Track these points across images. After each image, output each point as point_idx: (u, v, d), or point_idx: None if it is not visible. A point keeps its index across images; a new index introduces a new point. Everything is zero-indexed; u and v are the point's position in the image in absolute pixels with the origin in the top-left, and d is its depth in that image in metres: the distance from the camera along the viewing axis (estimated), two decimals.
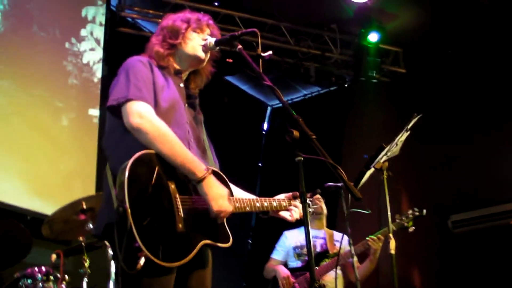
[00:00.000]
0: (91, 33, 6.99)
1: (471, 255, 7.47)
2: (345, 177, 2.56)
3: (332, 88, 9.49)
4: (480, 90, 7.86)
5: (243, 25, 7.83)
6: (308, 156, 2.55)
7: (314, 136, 2.59)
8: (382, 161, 4.06)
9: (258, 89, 9.84)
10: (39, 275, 4.24)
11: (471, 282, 7.30)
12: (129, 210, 2.43)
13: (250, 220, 9.35)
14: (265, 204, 3.10)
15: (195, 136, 2.96)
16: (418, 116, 4.02)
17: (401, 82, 8.69)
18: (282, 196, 3.26)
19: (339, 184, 3.98)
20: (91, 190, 6.10)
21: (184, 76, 3.11)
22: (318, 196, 5.85)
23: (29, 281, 4.29)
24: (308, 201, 3.33)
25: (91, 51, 6.93)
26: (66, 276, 4.47)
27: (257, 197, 3.12)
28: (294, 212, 3.24)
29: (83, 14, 6.99)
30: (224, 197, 2.73)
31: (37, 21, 6.40)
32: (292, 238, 5.81)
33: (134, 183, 2.50)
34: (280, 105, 2.70)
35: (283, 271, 5.51)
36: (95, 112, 6.73)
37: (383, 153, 3.99)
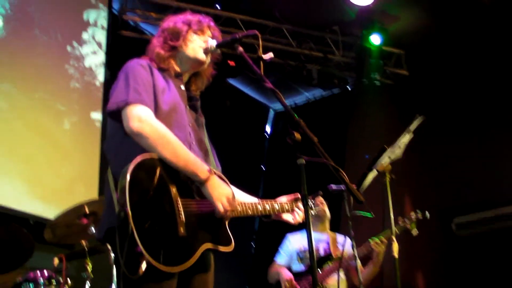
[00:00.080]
0: (93, 37, 7.00)
1: (475, 257, 7.44)
2: (347, 180, 2.54)
3: (334, 91, 9.48)
4: (483, 91, 7.84)
5: (245, 28, 7.84)
6: (310, 159, 2.54)
7: (315, 139, 2.57)
8: (385, 163, 4.04)
9: (261, 92, 9.84)
10: (41, 279, 4.23)
11: (475, 285, 7.27)
12: (130, 215, 2.41)
13: (253, 224, 9.33)
14: (267, 207, 3.08)
15: (196, 139, 2.95)
16: (421, 117, 4.00)
17: (403, 84, 8.67)
18: (283, 198, 3.24)
19: (342, 187, 3.96)
20: (93, 194, 6.10)
21: (185, 78, 3.10)
22: (321, 199, 5.84)
23: (31, 285, 4.28)
24: (310, 203, 3.33)
25: (93, 55, 6.93)
26: (69, 280, 4.47)
27: (259, 200, 3.10)
28: (297, 214, 3.23)
29: (84, 17, 6.99)
30: (228, 196, 2.72)
31: (39, 24, 6.41)
32: (295, 242, 5.79)
33: (135, 187, 2.48)
34: (283, 108, 2.69)
35: (286, 274, 5.49)
36: (97, 115, 6.73)
37: (385, 154, 3.97)
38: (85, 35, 6.93)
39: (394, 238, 4.18)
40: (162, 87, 2.86)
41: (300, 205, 3.22)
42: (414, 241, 5.39)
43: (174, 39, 3.02)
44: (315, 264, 2.53)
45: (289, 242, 5.83)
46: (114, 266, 4.40)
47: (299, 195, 3.19)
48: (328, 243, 5.68)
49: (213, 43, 3.05)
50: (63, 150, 6.37)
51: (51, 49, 6.50)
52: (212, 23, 3.16)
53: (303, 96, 9.94)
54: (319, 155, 2.56)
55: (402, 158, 4.32)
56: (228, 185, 2.85)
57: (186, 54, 3.02)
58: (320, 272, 5.40)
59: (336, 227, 6.28)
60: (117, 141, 2.79)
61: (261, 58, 2.89)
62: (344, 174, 2.56)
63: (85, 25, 6.98)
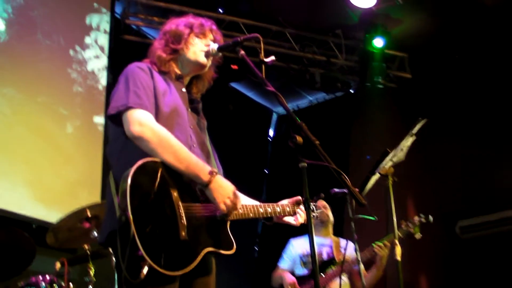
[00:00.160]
0: (96, 41, 7.00)
1: (479, 261, 7.42)
2: (349, 183, 2.53)
3: (338, 94, 9.47)
4: (487, 94, 7.82)
5: (248, 32, 7.83)
6: (311, 162, 2.53)
7: (317, 142, 2.57)
8: (387, 166, 4.03)
9: (264, 96, 9.84)
10: (43, 284, 4.22)
11: None
12: (131, 219, 2.40)
13: (256, 228, 9.32)
14: (269, 210, 3.08)
15: (198, 141, 2.94)
16: (423, 120, 3.99)
17: (407, 88, 8.65)
18: (285, 201, 3.23)
19: (345, 190, 3.95)
20: (96, 198, 6.09)
21: (186, 81, 3.10)
22: (324, 203, 5.84)
23: None
24: (311, 205, 3.32)
25: (96, 59, 6.93)
26: (71, 285, 4.46)
27: (261, 203, 3.10)
28: (299, 216, 3.22)
29: (87, 21, 6.99)
30: (230, 196, 2.72)
31: (41, 29, 6.41)
32: (298, 246, 5.79)
33: (136, 191, 2.47)
34: (285, 111, 2.68)
35: (289, 278, 5.49)
36: (100, 119, 6.73)
37: (388, 158, 3.95)
38: (87, 39, 6.93)
39: (397, 242, 4.15)
40: (163, 89, 2.85)
41: (302, 207, 3.20)
42: (418, 244, 5.37)
43: (176, 42, 3.02)
44: (317, 268, 2.52)
45: (292, 246, 5.83)
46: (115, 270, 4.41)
47: (300, 198, 3.18)
48: (331, 248, 5.67)
49: (214, 46, 3.04)
50: (65, 154, 6.36)
51: (53, 53, 6.50)
52: (214, 26, 3.16)
53: (306, 100, 9.93)
54: (321, 158, 2.55)
55: (406, 161, 4.31)
56: None
57: (187, 57, 3.02)
58: (323, 277, 5.38)
59: (339, 231, 6.26)
60: (119, 145, 2.78)
61: (263, 61, 2.87)
62: (346, 177, 2.55)
63: (88, 29, 6.98)
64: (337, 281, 5.36)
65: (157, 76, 2.89)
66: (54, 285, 4.28)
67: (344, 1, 7.53)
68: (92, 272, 4.60)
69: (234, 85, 9.22)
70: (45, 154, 6.13)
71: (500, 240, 7.42)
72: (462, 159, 7.78)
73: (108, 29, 7.20)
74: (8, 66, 6.06)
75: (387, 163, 4.01)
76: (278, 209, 3.13)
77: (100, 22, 7.11)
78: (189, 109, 3.01)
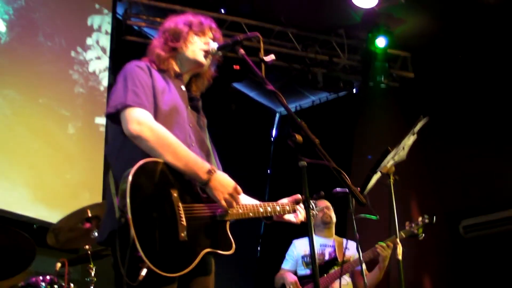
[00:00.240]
0: (97, 42, 7.00)
1: (483, 260, 7.41)
2: (349, 182, 2.52)
3: (340, 94, 9.46)
4: (489, 93, 7.80)
5: (250, 32, 7.81)
6: (311, 161, 2.52)
7: (317, 141, 2.55)
8: (389, 165, 4.01)
9: (266, 96, 9.83)
10: (43, 284, 4.21)
11: (483, 287, 7.23)
12: (131, 221, 2.39)
13: (258, 228, 9.31)
14: (269, 209, 3.06)
15: (197, 139, 2.93)
16: (425, 119, 3.97)
17: (409, 87, 8.63)
18: (285, 200, 3.22)
19: (347, 190, 3.93)
20: (98, 199, 6.08)
21: (186, 79, 3.08)
22: (327, 204, 5.84)
23: None
24: (311, 204, 3.31)
25: (97, 60, 6.94)
26: (72, 285, 4.45)
27: (261, 202, 3.09)
28: (299, 213, 3.21)
29: (88, 23, 7.00)
30: (230, 192, 2.71)
31: (43, 30, 6.42)
32: (301, 247, 5.79)
33: (136, 192, 2.46)
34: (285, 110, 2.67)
35: (291, 277, 5.51)
36: (101, 120, 6.73)
37: (389, 157, 3.94)
38: (89, 41, 6.93)
39: (398, 241, 4.14)
40: (162, 87, 2.84)
41: (302, 205, 3.19)
42: (421, 243, 5.37)
43: (175, 40, 3.01)
44: (316, 268, 2.50)
45: (294, 247, 5.85)
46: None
47: (300, 196, 3.17)
48: (334, 248, 5.67)
49: (214, 45, 3.03)
50: (67, 155, 6.36)
51: (55, 54, 6.50)
52: (213, 25, 3.15)
53: (309, 100, 9.93)
54: (321, 157, 2.54)
55: (409, 160, 4.30)
56: None
57: (186, 55, 3.01)
58: (326, 277, 5.38)
59: (342, 230, 6.26)
60: (117, 144, 2.77)
61: (263, 60, 2.86)
62: (346, 176, 2.53)
63: (89, 30, 6.98)
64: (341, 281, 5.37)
65: (156, 74, 2.88)
66: (54, 285, 4.27)
67: (346, 1, 7.51)
68: (93, 272, 4.59)
69: (236, 85, 9.22)
70: (46, 155, 6.14)
71: (504, 239, 7.40)
72: (465, 158, 7.76)
73: (109, 30, 7.20)
74: (9, 67, 6.06)
75: (389, 162, 3.99)
76: (278, 208, 3.12)
77: (101, 23, 7.11)
78: (189, 107, 3.00)
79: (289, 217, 3.23)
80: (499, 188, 7.54)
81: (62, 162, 6.30)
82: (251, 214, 2.94)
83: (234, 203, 2.73)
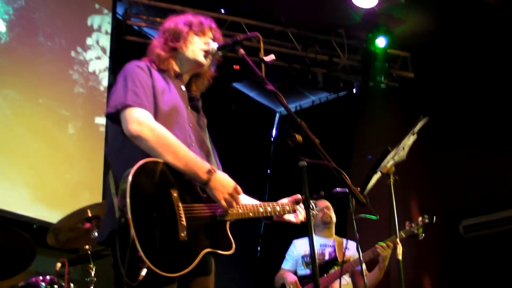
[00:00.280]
0: (97, 42, 7.00)
1: (483, 260, 7.41)
2: (349, 182, 2.51)
3: (340, 94, 9.46)
4: (490, 93, 7.80)
5: (250, 32, 7.81)
6: (311, 161, 2.52)
7: (317, 141, 2.55)
8: (389, 165, 4.01)
9: (266, 96, 9.83)
10: (43, 284, 4.21)
11: (483, 287, 7.22)
12: (131, 221, 2.38)
13: (259, 228, 9.31)
14: (268, 208, 3.06)
15: (197, 139, 2.93)
16: (425, 119, 3.97)
17: (409, 87, 8.63)
18: (285, 200, 3.22)
19: (347, 190, 3.93)
20: (98, 199, 6.08)
21: (185, 79, 3.08)
22: (327, 204, 5.84)
23: None
24: (311, 204, 3.31)
25: (97, 60, 6.93)
26: (72, 285, 4.44)
27: (260, 202, 3.09)
28: (299, 213, 3.21)
29: (88, 23, 7.00)
30: (230, 192, 2.70)
31: (43, 30, 6.41)
32: (301, 247, 5.79)
33: (136, 192, 2.45)
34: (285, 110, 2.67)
35: (291, 277, 5.52)
36: (101, 120, 6.72)
37: (389, 157, 3.93)
38: (89, 41, 6.93)
39: (398, 241, 4.14)
40: (162, 87, 2.84)
41: (302, 205, 3.19)
42: (421, 243, 5.37)
43: (175, 40, 3.01)
44: (316, 267, 2.50)
45: (295, 247, 5.85)
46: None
47: (300, 196, 3.17)
48: (334, 248, 5.67)
49: (214, 46, 3.03)
50: (67, 155, 6.36)
51: (55, 54, 6.50)
52: (213, 25, 3.15)
53: (309, 100, 9.93)
54: (321, 157, 2.54)
55: (409, 160, 4.29)
56: None
57: (186, 55, 3.01)
58: (326, 277, 5.38)
59: (342, 230, 6.26)
60: (117, 144, 2.77)
61: (263, 60, 2.86)
62: (346, 176, 2.53)
63: (89, 30, 6.98)
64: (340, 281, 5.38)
65: (156, 74, 2.88)
66: (54, 285, 4.27)
67: (346, 1, 7.51)
68: (93, 272, 4.59)
69: (236, 85, 9.21)
70: (46, 155, 6.13)
71: (504, 239, 7.40)
72: (465, 158, 7.75)
73: (109, 30, 7.20)
74: (9, 67, 6.06)
75: (389, 162, 3.99)
76: (278, 208, 3.12)
77: (101, 23, 7.11)
78: (189, 107, 2.99)
79: (289, 217, 3.23)
80: (499, 188, 7.54)
81: (62, 162, 6.30)
82: (251, 214, 2.94)
83: (234, 203, 2.73)
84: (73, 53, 6.71)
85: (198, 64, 3.03)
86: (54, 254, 5.15)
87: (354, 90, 9.14)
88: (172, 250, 2.48)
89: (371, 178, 3.89)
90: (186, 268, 2.51)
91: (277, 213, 3.12)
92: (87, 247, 4.68)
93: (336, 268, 5.43)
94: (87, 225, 4.56)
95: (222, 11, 8.00)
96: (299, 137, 2.54)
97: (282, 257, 5.88)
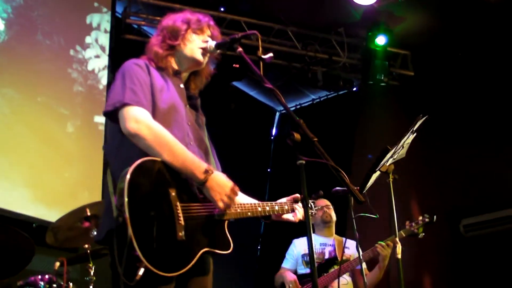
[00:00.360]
0: (96, 40, 6.98)
1: (483, 259, 7.40)
2: (348, 180, 2.50)
3: (340, 93, 9.45)
4: (490, 92, 7.79)
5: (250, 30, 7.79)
6: (309, 159, 2.50)
7: (315, 139, 2.53)
8: (388, 164, 3.99)
9: (266, 95, 9.81)
10: (42, 283, 4.21)
11: (484, 286, 7.21)
12: (129, 220, 2.37)
13: (259, 227, 9.31)
14: (267, 208, 3.05)
15: (196, 138, 2.91)
16: (424, 118, 3.96)
17: (409, 85, 8.62)
18: (284, 199, 3.21)
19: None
20: (97, 198, 6.05)
21: (184, 77, 3.07)
22: (328, 203, 5.83)
23: None
24: (310, 203, 3.29)
25: (96, 58, 6.92)
26: (71, 284, 4.44)
27: (259, 202, 3.08)
28: (297, 212, 3.19)
29: (87, 21, 6.98)
30: (227, 193, 2.68)
31: (41, 29, 6.40)
32: (301, 246, 5.79)
33: (134, 191, 2.45)
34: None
35: (290, 276, 5.52)
36: (100, 119, 6.70)
37: (389, 155, 3.92)
38: (88, 39, 6.91)
39: (397, 240, 4.12)
40: (160, 86, 2.83)
41: (300, 204, 3.18)
42: (422, 242, 5.36)
43: (173, 38, 3.00)
44: (315, 267, 2.49)
45: (295, 246, 5.85)
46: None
47: (298, 196, 3.15)
48: (334, 247, 5.67)
49: (212, 43, 3.01)
50: (66, 154, 6.34)
51: (54, 53, 6.49)
52: (211, 22, 3.13)
53: (309, 98, 9.92)
54: (319, 155, 2.52)
55: (410, 159, 4.28)
56: None
57: (184, 53, 2.99)
58: (326, 276, 5.37)
59: (342, 230, 6.25)
60: (116, 143, 2.76)
61: (261, 58, 2.84)
62: (345, 175, 2.52)
63: (88, 29, 6.96)
64: (340, 280, 5.36)
65: (154, 72, 2.87)
66: (53, 284, 4.27)
67: None
68: (92, 272, 4.58)
69: (236, 84, 9.20)
70: (45, 154, 6.12)
71: (504, 238, 7.39)
72: (466, 156, 7.74)
73: (108, 28, 7.19)
74: (8, 66, 6.05)
75: (388, 161, 3.97)
76: (276, 208, 3.11)
77: (100, 22, 7.09)
78: (187, 106, 2.98)
79: (288, 216, 3.21)
80: (499, 187, 7.53)
81: (61, 161, 6.28)
82: (249, 213, 2.93)
83: (231, 205, 2.71)
84: (72, 52, 6.69)
85: (196, 62, 3.01)
86: (53, 253, 5.15)
87: (354, 89, 9.13)
88: (169, 250, 2.47)
89: (371, 177, 3.88)
90: (184, 267, 2.50)
91: (275, 213, 3.12)
92: (86, 246, 4.67)
93: (336, 267, 5.42)
94: (86, 224, 4.55)
95: (222, 9, 7.98)
96: (297, 136, 2.53)
97: (282, 257, 5.88)
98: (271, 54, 2.88)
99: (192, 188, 2.69)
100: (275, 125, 10.39)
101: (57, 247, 4.77)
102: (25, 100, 6.08)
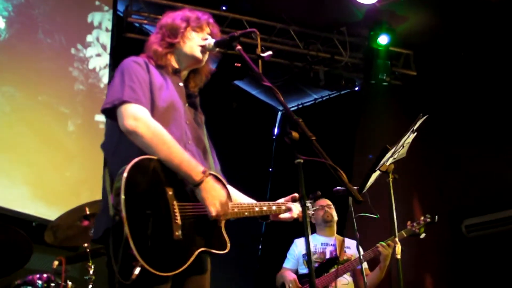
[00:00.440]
0: (97, 39, 6.98)
1: (485, 259, 7.38)
2: (346, 179, 2.48)
3: (342, 92, 9.43)
4: (492, 91, 7.77)
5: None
6: (308, 158, 2.48)
7: (314, 138, 2.51)
8: (388, 163, 3.97)
9: (268, 94, 9.79)
10: (40, 282, 4.20)
11: (485, 287, 7.20)
12: (125, 219, 2.36)
13: (260, 227, 9.30)
14: (264, 208, 3.04)
15: (194, 136, 2.89)
16: (424, 117, 3.94)
17: (412, 85, 8.60)
18: (282, 200, 3.19)
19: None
20: (98, 197, 5.99)
21: (183, 75, 3.05)
22: (329, 203, 5.82)
23: None
24: (308, 203, 3.27)
25: (97, 57, 6.91)
26: (69, 283, 4.43)
27: (257, 202, 3.06)
28: (293, 209, 3.16)
29: (89, 20, 6.98)
30: (221, 200, 2.66)
31: (42, 27, 6.40)
32: (302, 246, 5.79)
33: (130, 189, 2.43)
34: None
35: (290, 276, 5.52)
36: (101, 118, 6.68)
37: (389, 155, 3.90)
38: (89, 38, 6.91)
39: (397, 240, 4.10)
40: (160, 84, 2.81)
41: (297, 203, 3.16)
42: (423, 242, 5.34)
43: (172, 36, 2.98)
44: (312, 266, 2.47)
45: (296, 246, 5.84)
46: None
47: (296, 195, 3.13)
48: (335, 247, 5.66)
49: (211, 41, 3.00)
50: (67, 153, 6.35)
51: (55, 51, 6.49)
52: (211, 20, 3.11)
53: (311, 98, 9.91)
54: (317, 154, 2.50)
55: (412, 159, 4.27)
56: (225, 185, 2.78)
57: (184, 51, 2.98)
58: (327, 276, 5.36)
59: (342, 229, 6.24)
60: (114, 140, 2.75)
61: (260, 56, 2.83)
62: (343, 173, 2.50)
63: (90, 27, 6.96)
64: (340, 280, 5.37)
65: (153, 70, 2.85)
66: (51, 283, 4.27)
67: None
68: (91, 270, 4.57)
69: (238, 83, 9.19)
70: (46, 153, 6.12)
71: (506, 239, 7.38)
72: (468, 157, 7.72)
73: (110, 27, 7.18)
74: (9, 64, 6.05)
75: (388, 160, 3.95)
76: (273, 208, 3.10)
77: (102, 20, 7.09)
78: (186, 104, 2.97)
79: (284, 215, 3.18)
80: (501, 187, 7.51)
81: (61, 159, 6.29)
82: (246, 213, 2.92)
83: (222, 213, 2.66)
84: (73, 50, 6.69)
85: (195, 59, 3.00)
86: (52, 252, 5.15)
87: (356, 88, 9.11)
88: (166, 249, 2.46)
89: (370, 177, 3.86)
90: (180, 267, 2.49)
91: (273, 213, 3.10)
92: (86, 245, 4.66)
93: (336, 267, 5.40)
94: (85, 223, 4.54)
95: (223, 8, 7.96)
96: (295, 134, 2.51)
97: (283, 256, 5.87)
98: (270, 52, 2.87)
99: (187, 188, 2.67)
100: (277, 125, 10.38)
101: (56, 245, 4.76)
102: (26, 99, 6.08)
